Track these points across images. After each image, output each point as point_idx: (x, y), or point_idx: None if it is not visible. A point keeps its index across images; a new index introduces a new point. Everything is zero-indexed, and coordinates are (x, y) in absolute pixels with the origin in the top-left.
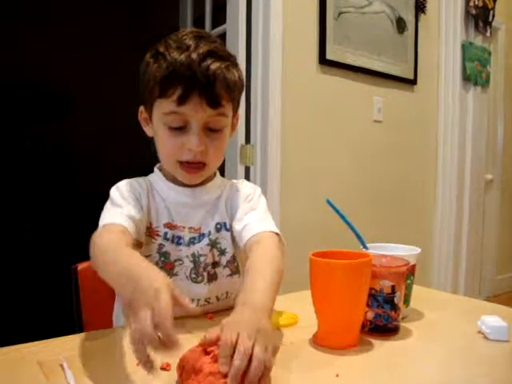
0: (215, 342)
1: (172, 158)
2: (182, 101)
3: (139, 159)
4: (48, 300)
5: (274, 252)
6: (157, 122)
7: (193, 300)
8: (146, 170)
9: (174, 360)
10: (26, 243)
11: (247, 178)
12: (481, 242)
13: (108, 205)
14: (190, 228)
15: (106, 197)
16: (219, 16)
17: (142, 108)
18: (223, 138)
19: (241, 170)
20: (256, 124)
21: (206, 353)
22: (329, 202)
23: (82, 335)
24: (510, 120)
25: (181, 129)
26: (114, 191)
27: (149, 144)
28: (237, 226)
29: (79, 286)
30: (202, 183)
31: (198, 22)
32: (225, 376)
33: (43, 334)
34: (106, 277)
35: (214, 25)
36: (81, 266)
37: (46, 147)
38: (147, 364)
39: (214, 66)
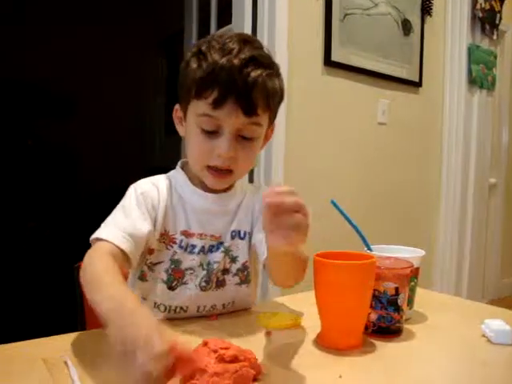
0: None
1: (201, 161)
2: (217, 104)
3: (142, 158)
4: (51, 298)
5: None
6: (190, 122)
7: (199, 307)
8: (148, 169)
9: None
10: (30, 241)
11: (251, 179)
12: (484, 245)
13: (119, 206)
14: (212, 236)
15: (108, 195)
16: (225, 16)
17: (177, 106)
18: (254, 147)
19: None
20: None
21: (211, 353)
22: (333, 203)
23: (85, 333)
24: None
25: (213, 133)
26: (131, 192)
27: (153, 144)
28: (260, 235)
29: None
30: (226, 189)
31: (204, 22)
32: (229, 377)
33: (46, 331)
34: (94, 305)
35: (220, 25)
36: None
37: (50, 146)
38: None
39: (255, 73)
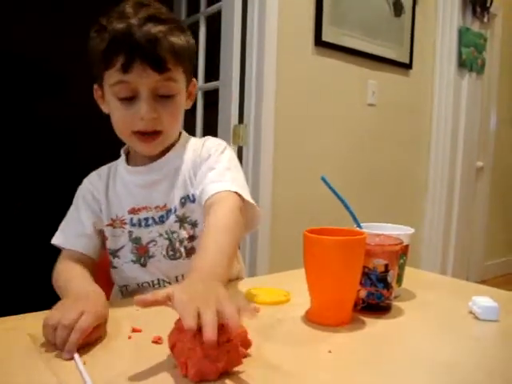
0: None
1: (126, 129)
2: (125, 69)
3: None
4: (38, 275)
5: (226, 212)
6: (108, 96)
7: (177, 277)
8: None
9: (165, 334)
10: (18, 221)
11: (240, 158)
12: (470, 227)
13: (71, 209)
14: (157, 207)
15: None
16: None
17: (96, 86)
18: (176, 104)
19: (233, 149)
20: (250, 104)
21: (197, 334)
22: (323, 180)
23: None
24: (502, 108)
25: (131, 99)
26: (78, 192)
27: None
28: (197, 192)
29: None
30: (162, 154)
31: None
32: (219, 360)
33: (33, 307)
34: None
35: (209, 4)
36: None
37: (39, 124)
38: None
39: (156, 29)
